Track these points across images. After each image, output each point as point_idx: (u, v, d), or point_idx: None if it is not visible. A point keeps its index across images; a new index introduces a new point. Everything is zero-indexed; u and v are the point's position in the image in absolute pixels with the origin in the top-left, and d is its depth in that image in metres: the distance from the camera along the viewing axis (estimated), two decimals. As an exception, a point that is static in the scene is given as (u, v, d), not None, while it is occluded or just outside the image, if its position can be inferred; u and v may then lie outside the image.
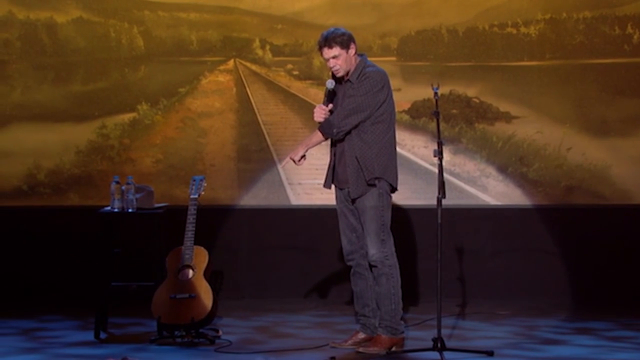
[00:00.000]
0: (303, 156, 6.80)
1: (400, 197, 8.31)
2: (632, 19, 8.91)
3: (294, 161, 6.81)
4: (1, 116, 8.98)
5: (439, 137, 6.66)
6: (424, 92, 8.73)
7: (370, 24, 8.97)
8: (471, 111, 8.98)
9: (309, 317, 8.14)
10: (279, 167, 8.86)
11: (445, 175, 6.68)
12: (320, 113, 6.79)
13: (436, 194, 6.61)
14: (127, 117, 9.00)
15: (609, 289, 8.68)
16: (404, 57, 9.00)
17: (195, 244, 7.24)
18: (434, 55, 9.00)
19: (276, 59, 9.07)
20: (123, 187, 7.39)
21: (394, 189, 6.83)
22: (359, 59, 6.80)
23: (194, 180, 7.43)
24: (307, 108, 8.76)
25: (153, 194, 7.55)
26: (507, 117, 8.95)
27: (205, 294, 7.13)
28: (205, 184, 7.44)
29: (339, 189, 6.91)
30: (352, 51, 6.73)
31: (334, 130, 6.72)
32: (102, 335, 7.35)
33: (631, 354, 6.88)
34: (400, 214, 8.50)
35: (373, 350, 6.77)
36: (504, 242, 8.86)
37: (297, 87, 9.07)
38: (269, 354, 6.76)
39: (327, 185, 6.97)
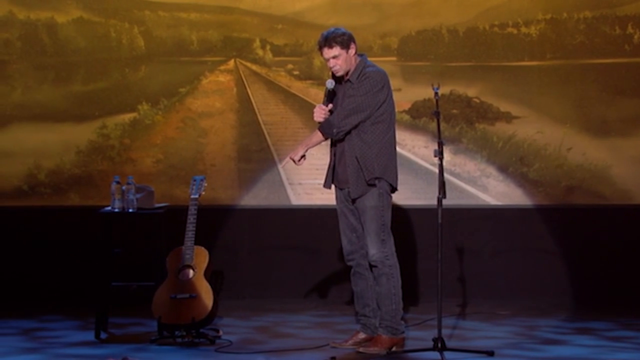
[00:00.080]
0: (303, 156, 6.80)
1: (401, 197, 8.31)
2: (632, 19, 8.91)
3: (293, 161, 6.81)
4: (2, 116, 8.98)
5: (439, 137, 6.66)
6: (424, 92, 8.73)
7: (370, 24, 8.97)
8: (472, 111, 8.98)
9: (309, 317, 8.14)
10: (279, 167, 8.86)
11: (445, 175, 6.68)
12: (320, 113, 6.78)
13: (436, 194, 6.60)
14: (127, 117, 9.00)
15: (610, 289, 8.67)
16: (405, 57, 9.00)
17: (195, 244, 7.24)
18: (435, 55, 9.00)
19: (276, 59, 9.07)
20: (123, 187, 7.39)
21: (394, 189, 6.83)
22: (359, 59, 6.79)
23: (195, 180, 7.43)
24: (307, 108, 8.76)
25: (153, 194, 7.55)
26: (508, 117, 8.95)
27: (206, 294, 7.13)
28: (206, 184, 7.44)
29: (339, 189, 6.91)
30: (352, 51, 6.73)
31: (334, 130, 6.72)
32: (103, 335, 7.34)
33: (632, 354, 6.88)
34: (400, 214, 8.50)
35: (373, 350, 6.77)
36: (504, 242, 8.86)
37: (298, 87, 9.07)
38: (270, 354, 6.76)
39: (327, 185, 6.97)
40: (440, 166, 6.61)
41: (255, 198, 8.93)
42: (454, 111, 8.96)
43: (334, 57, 6.70)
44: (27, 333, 7.53)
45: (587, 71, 8.93)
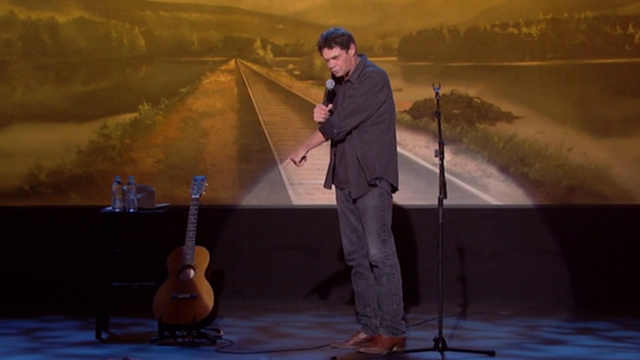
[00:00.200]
0: (304, 157, 6.80)
1: (402, 197, 8.31)
2: (633, 19, 8.91)
3: (294, 162, 6.81)
4: (2, 116, 8.98)
5: (440, 137, 6.66)
6: (425, 92, 8.73)
7: (371, 24, 8.97)
8: (472, 111, 8.98)
9: (310, 317, 8.14)
10: (280, 168, 8.86)
11: (446, 175, 6.68)
12: (320, 113, 6.78)
13: (437, 194, 6.60)
14: (128, 117, 9.00)
15: (610, 289, 8.67)
16: (405, 57, 9.00)
17: (196, 244, 7.24)
18: (435, 55, 9.00)
19: (277, 59, 9.07)
20: (124, 187, 7.39)
21: (394, 189, 6.83)
22: (358, 59, 6.79)
23: (195, 180, 7.43)
24: (308, 108, 8.76)
25: (154, 194, 7.55)
26: (509, 117, 8.95)
27: (207, 294, 7.13)
28: (207, 184, 7.44)
29: (339, 189, 6.91)
30: (352, 51, 6.73)
31: (335, 131, 6.72)
32: (104, 335, 7.34)
33: (632, 354, 6.88)
34: (401, 214, 8.50)
35: (374, 350, 6.77)
36: (505, 242, 8.86)
37: (298, 87, 9.07)
38: (270, 354, 6.76)
39: (327, 185, 6.97)
40: (441, 166, 6.60)
41: (256, 198, 8.93)
42: (455, 111, 8.96)
43: (333, 58, 6.70)
44: (28, 333, 7.53)
45: (588, 71, 8.93)
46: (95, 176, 8.95)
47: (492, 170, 8.94)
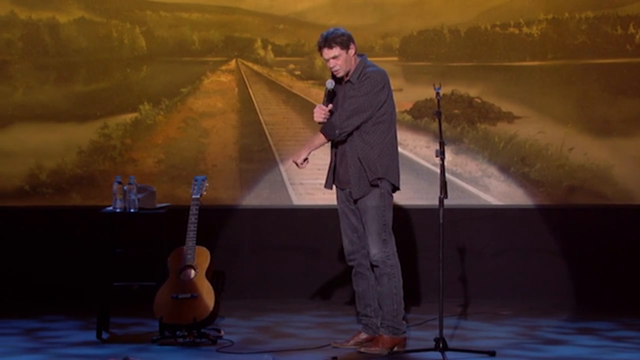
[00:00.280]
0: (305, 159, 6.80)
1: (402, 197, 8.31)
2: (634, 19, 8.91)
3: (296, 164, 6.81)
4: (3, 116, 8.98)
5: (441, 137, 6.66)
6: (425, 92, 8.73)
7: (372, 24, 8.97)
8: (473, 111, 8.98)
9: (310, 317, 8.14)
10: (282, 168, 8.87)
11: (447, 175, 6.68)
12: (320, 113, 6.78)
13: (438, 194, 6.60)
14: (129, 117, 9.00)
15: (611, 289, 8.67)
16: (406, 57, 9.00)
17: (197, 244, 7.24)
18: (436, 56, 9.00)
19: (278, 59, 9.07)
20: (125, 187, 7.39)
21: (396, 189, 6.83)
22: (359, 59, 6.79)
23: (196, 181, 7.43)
24: (309, 108, 8.75)
25: (155, 194, 7.55)
26: (509, 117, 8.95)
27: (207, 294, 7.13)
28: (207, 184, 7.44)
29: (340, 189, 6.91)
30: (352, 51, 6.73)
31: (336, 132, 6.71)
32: (104, 335, 7.35)
33: (633, 354, 6.87)
34: (402, 214, 8.50)
35: (375, 350, 6.77)
36: (505, 242, 8.86)
37: (299, 87, 9.07)
38: (271, 354, 6.76)
39: (328, 185, 6.97)
40: (442, 166, 6.60)
41: (256, 198, 8.93)
42: (456, 111, 8.96)
43: (334, 58, 6.70)
44: (28, 333, 7.53)
45: (589, 71, 8.93)
46: (96, 176, 8.95)
47: (493, 170, 8.94)
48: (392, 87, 6.84)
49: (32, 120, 8.98)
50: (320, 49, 6.73)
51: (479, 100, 8.98)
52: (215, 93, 9.06)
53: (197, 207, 7.27)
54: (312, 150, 6.80)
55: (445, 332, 6.73)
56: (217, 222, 8.73)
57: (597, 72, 8.92)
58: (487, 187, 8.92)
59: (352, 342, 6.94)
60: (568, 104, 8.93)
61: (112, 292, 7.45)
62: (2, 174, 8.96)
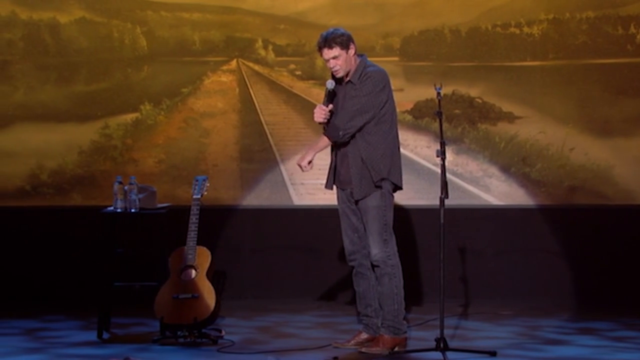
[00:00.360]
0: (310, 162, 6.78)
1: (403, 197, 8.31)
2: (635, 19, 8.91)
3: (300, 167, 6.79)
4: (4, 116, 8.98)
5: (441, 137, 6.66)
6: (426, 92, 8.73)
7: (372, 24, 8.97)
8: (474, 111, 8.98)
9: (311, 317, 8.14)
10: (283, 168, 8.86)
11: (448, 175, 6.67)
12: (321, 113, 6.78)
13: (439, 194, 6.60)
14: (129, 117, 9.00)
15: (612, 289, 8.67)
16: (407, 57, 9.00)
17: (197, 244, 7.24)
18: (437, 56, 9.00)
19: (279, 59, 9.07)
20: (126, 187, 7.39)
21: (397, 188, 6.82)
22: (359, 59, 6.79)
23: (197, 181, 7.43)
24: (309, 108, 8.73)
25: (156, 194, 7.55)
26: (510, 117, 8.95)
27: (208, 294, 7.13)
28: (208, 184, 7.44)
29: (340, 189, 6.91)
30: (351, 51, 6.73)
31: (340, 133, 6.70)
32: (105, 336, 7.35)
33: (634, 354, 6.87)
34: (403, 214, 8.50)
35: (376, 350, 6.77)
36: (506, 242, 8.86)
37: (300, 87, 9.07)
38: (272, 354, 6.76)
39: (328, 186, 6.96)
40: (443, 166, 6.60)
41: (257, 198, 8.93)
42: (457, 111, 8.96)
43: (334, 58, 6.70)
44: (29, 333, 7.53)
45: (590, 71, 8.93)
46: (96, 176, 8.95)
47: (494, 170, 8.94)
48: (393, 87, 6.84)
49: (33, 120, 8.98)
50: (320, 49, 6.73)
51: (480, 100, 8.98)
52: (216, 93, 9.06)
53: (198, 207, 7.27)
54: (317, 152, 6.79)
55: (446, 332, 6.72)
56: (218, 222, 8.74)
57: (598, 72, 8.92)
58: (488, 187, 8.92)
59: (352, 342, 6.94)
60: (569, 104, 8.93)
61: (113, 292, 7.45)
62: (3, 174, 8.96)
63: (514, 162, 8.92)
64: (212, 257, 7.28)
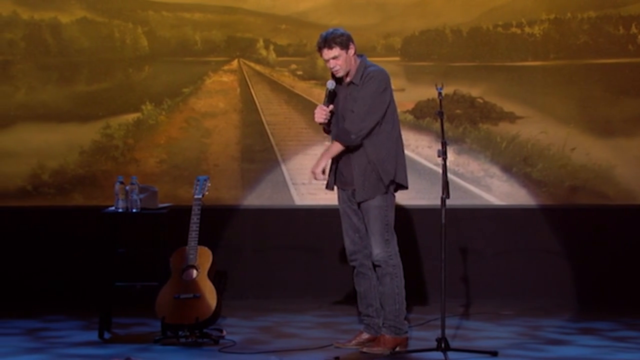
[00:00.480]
0: (324, 170, 6.74)
1: (404, 198, 8.31)
2: (636, 19, 8.91)
3: (314, 175, 6.74)
4: (5, 116, 8.99)
5: (442, 137, 6.66)
6: (427, 92, 8.73)
7: (374, 24, 8.97)
8: (475, 111, 8.98)
9: (312, 317, 8.14)
10: (284, 168, 8.86)
11: (449, 175, 6.68)
12: (321, 114, 6.78)
13: (440, 194, 6.60)
14: (131, 117, 9.00)
15: (613, 289, 8.67)
16: (408, 57, 9.00)
17: (199, 244, 7.24)
18: (438, 56, 9.00)
19: (280, 59, 9.07)
20: (127, 187, 7.39)
21: (400, 187, 6.81)
22: (359, 60, 6.78)
23: (198, 181, 7.44)
24: (310, 108, 8.71)
25: (157, 194, 7.55)
26: (511, 117, 8.95)
27: (209, 294, 7.13)
28: (209, 184, 7.45)
29: (341, 190, 6.90)
30: (351, 51, 6.72)
31: (352, 137, 6.67)
32: (106, 336, 7.35)
33: (635, 354, 6.87)
34: (404, 214, 8.50)
35: (377, 350, 6.77)
36: (507, 242, 8.86)
37: (301, 87, 9.07)
38: (274, 354, 6.76)
39: (329, 187, 6.95)
40: (444, 166, 6.60)
41: (258, 198, 8.93)
42: (458, 111, 8.95)
43: (333, 58, 6.69)
44: (30, 333, 7.53)
45: (591, 71, 8.92)
46: (98, 176, 8.95)
47: (495, 170, 8.93)
48: (394, 87, 6.86)
49: (34, 121, 8.98)
50: (319, 49, 6.72)
51: (481, 100, 8.97)
52: (217, 93, 9.06)
53: (199, 207, 7.27)
54: (329, 158, 6.76)
55: (447, 332, 6.73)
56: (219, 222, 8.74)
57: (599, 72, 8.92)
58: (489, 187, 8.92)
59: (354, 342, 6.94)
60: (570, 104, 8.93)
61: (114, 292, 7.45)
62: (4, 174, 8.96)
63: (515, 162, 8.92)
64: (214, 257, 7.29)
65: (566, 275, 8.78)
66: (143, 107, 9.00)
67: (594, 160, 8.87)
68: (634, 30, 8.91)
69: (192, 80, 9.06)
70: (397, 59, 8.98)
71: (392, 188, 6.75)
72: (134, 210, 7.39)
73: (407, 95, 8.84)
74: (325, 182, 6.84)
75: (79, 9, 9.02)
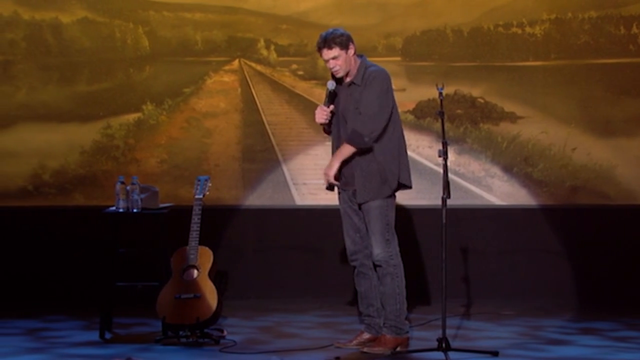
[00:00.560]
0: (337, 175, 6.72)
1: (405, 198, 8.30)
2: (637, 19, 8.90)
3: (328, 177, 6.70)
4: (6, 116, 8.99)
5: (443, 137, 6.66)
6: (428, 92, 8.73)
7: (375, 24, 8.97)
8: (476, 111, 8.98)
9: (313, 317, 8.14)
10: (285, 168, 8.87)
11: (450, 175, 6.68)
12: (322, 114, 6.78)
13: (441, 194, 6.60)
14: (132, 117, 9.01)
15: (614, 289, 8.67)
16: (409, 57, 9.00)
17: (200, 244, 7.24)
18: (439, 56, 9.00)
19: (281, 59, 9.07)
20: (128, 187, 7.39)
21: (403, 187, 6.81)
22: (359, 60, 6.78)
23: (199, 181, 7.44)
24: (311, 108, 8.70)
25: (158, 194, 7.55)
26: (512, 117, 8.95)
27: (210, 294, 7.13)
28: (210, 184, 7.44)
29: (342, 190, 6.90)
30: (351, 51, 6.72)
31: (366, 140, 6.64)
32: (107, 335, 7.35)
33: (636, 354, 6.87)
34: (405, 214, 8.50)
35: (378, 350, 6.77)
36: (508, 242, 8.86)
37: (302, 87, 9.07)
38: (275, 354, 6.76)
39: (330, 187, 6.94)
40: (445, 166, 6.60)
41: (259, 198, 8.93)
42: (459, 111, 8.95)
43: (333, 58, 6.69)
44: (31, 333, 7.53)
45: (592, 71, 8.92)
46: (98, 176, 8.96)
47: (496, 170, 8.93)
48: (395, 87, 6.87)
49: (35, 121, 8.98)
50: (319, 49, 6.72)
51: (482, 100, 8.97)
52: (218, 93, 9.06)
53: (200, 207, 7.27)
54: (341, 160, 6.72)
55: (448, 332, 6.73)
56: (220, 222, 8.74)
57: (600, 72, 8.92)
58: (490, 187, 8.92)
59: (354, 342, 6.94)
60: (571, 104, 8.92)
61: (115, 292, 7.45)
62: (5, 174, 8.96)
63: (516, 162, 8.92)
64: (214, 257, 7.29)
65: (567, 275, 8.78)
66: (144, 107, 9.01)
67: (594, 160, 8.87)
68: (634, 30, 8.91)
69: (193, 80, 9.06)
70: (398, 59, 8.98)
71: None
72: (135, 210, 7.39)
73: (408, 95, 8.84)
74: (337, 184, 6.81)
75: (80, 9, 9.03)
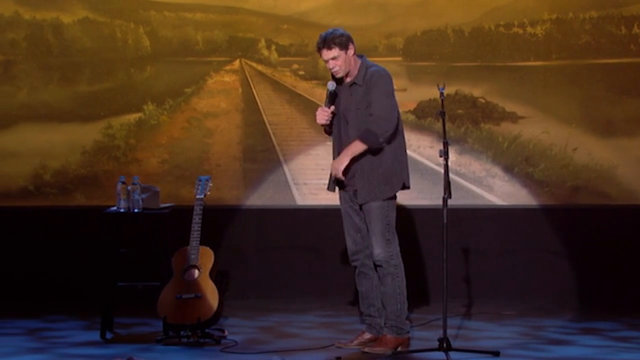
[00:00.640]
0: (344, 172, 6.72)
1: (406, 198, 8.30)
2: (638, 19, 8.90)
3: (336, 171, 6.67)
4: (7, 116, 8.99)
5: (444, 137, 6.66)
6: (429, 92, 8.73)
7: (375, 24, 8.97)
8: (477, 111, 8.97)
9: (314, 317, 8.14)
10: (286, 168, 8.87)
11: (451, 175, 6.68)
12: (323, 115, 6.77)
13: (442, 194, 6.60)
14: (133, 117, 9.01)
15: (615, 289, 8.66)
16: (410, 57, 9.00)
17: (201, 244, 7.24)
18: (440, 56, 9.00)
19: (282, 59, 9.07)
20: (129, 187, 7.39)
21: (402, 187, 6.81)
22: (359, 60, 6.77)
23: (200, 181, 7.44)
24: (312, 108, 8.71)
25: (159, 194, 7.56)
26: (513, 117, 8.95)
27: (211, 294, 7.13)
28: (211, 184, 7.44)
29: (343, 190, 6.90)
30: (351, 52, 6.71)
31: (380, 140, 6.62)
32: (108, 335, 7.35)
33: (637, 354, 6.87)
34: (405, 214, 8.50)
35: (379, 350, 6.77)
36: (509, 242, 8.86)
37: (303, 87, 9.07)
38: (276, 354, 6.76)
39: (331, 188, 6.93)
40: (446, 166, 6.60)
41: (260, 198, 8.93)
42: (460, 111, 8.95)
43: (333, 59, 6.68)
44: (32, 333, 7.53)
45: (593, 71, 8.92)
46: (99, 176, 8.96)
47: (497, 170, 8.93)
48: (396, 87, 6.86)
49: (36, 121, 8.99)
50: (319, 50, 6.72)
51: (483, 100, 8.97)
52: (219, 93, 9.06)
53: (201, 207, 7.27)
54: (351, 157, 6.70)
55: (449, 332, 6.73)
56: (221, 222, 8.74)
57: (601, 72, 8.92)
58: (491, 187, 8.92)
59: (355, 342, 6.94)
60: (572, 104, 8.92)
61: (116, 292, 7.45)
62: (6, 174, 8.96)
63: (517, 162, 8.92)
64: (215, 257, 7.29)
65: (568, 275, 8.78)
66: (145, 107, 9.01)
67: (595, 160, 8.87)
68: (636, 30, 8.91)
69: (194, 80, 9.06)
70: (399, 59, 8.98)
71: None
72: (136, 210, 7.39)
73: (408, 95, 8.84)
74: (334, 177, 6.81)
75: (81, 9, 9.03)
